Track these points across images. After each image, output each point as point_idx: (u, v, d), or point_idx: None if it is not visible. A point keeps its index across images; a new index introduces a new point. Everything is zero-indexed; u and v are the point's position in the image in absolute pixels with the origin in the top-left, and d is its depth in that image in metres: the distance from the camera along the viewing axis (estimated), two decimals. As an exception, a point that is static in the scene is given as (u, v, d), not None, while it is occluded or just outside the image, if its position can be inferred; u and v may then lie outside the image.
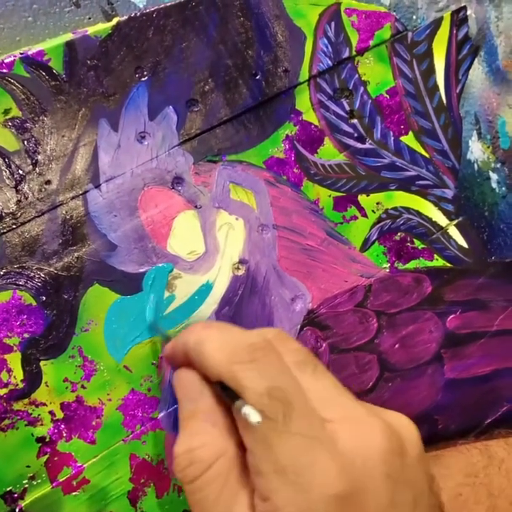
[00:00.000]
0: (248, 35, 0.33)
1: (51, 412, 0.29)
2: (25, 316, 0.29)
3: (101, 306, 0.30)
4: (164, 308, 0.32)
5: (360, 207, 0.36)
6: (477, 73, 0.40)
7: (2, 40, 0.30)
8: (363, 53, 0.36)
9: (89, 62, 0.30)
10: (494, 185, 0.41)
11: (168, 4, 0.31)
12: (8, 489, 0.29)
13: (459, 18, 0.38)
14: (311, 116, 0.35)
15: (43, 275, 0.29)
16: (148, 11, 0.31)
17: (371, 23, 0.36)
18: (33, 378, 0.29)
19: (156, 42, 0.31)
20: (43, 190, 0.30)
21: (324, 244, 0.35)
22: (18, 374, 0.29)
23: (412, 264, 0.37)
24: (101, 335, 0.30)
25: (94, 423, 0.30)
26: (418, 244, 0.38)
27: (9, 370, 0.29)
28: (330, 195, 0.35)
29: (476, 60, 0.40)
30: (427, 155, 0.38)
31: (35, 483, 0.29)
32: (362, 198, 0.36)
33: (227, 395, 0.23)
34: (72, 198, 0.30)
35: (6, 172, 0.29)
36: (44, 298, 0.29)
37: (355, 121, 0.36)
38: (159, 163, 0.32)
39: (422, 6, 0.38)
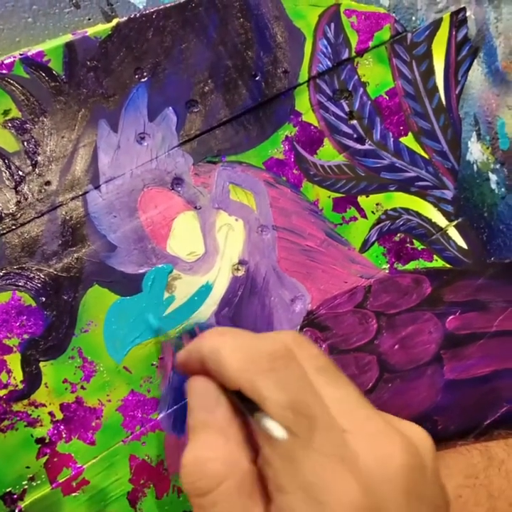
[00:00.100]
0: (248, 36, 0.33)
1: (51, 413, 0.29)
2: (24, 317, 0.29)
3: (100, 307, 0.30)
4: (164, 309, 0.32)
5: (360, 208, 0.36)
6: (476, 74, 0.40)
7: (2, 41, 0.30)
8: (363, 54, 0.36)
9: (88, 63, 0.30)
10: (493, 186, 0.41)
11: (168, 5, 0.31)
12: (7, 490, 0.29)
13: (459, 20, 0.38)
14: (310, 117, 0.35)
15: (42, 276, 0.29)
16: (147, 12, 0.31)
17: (371, 24, 0.36)
18: (32, 379, 0.29)
19: (156, 43, 0.31)
20: (43, 191, 0.30)
21: (324, 245, 0.35)
22: (18, 375, 0.29)
23: (411, 265, 0.37)
24: (100, 336, 0.30)
25: (93, 424, 0.30)
26: (417, 245, 0.38)
27: (9, 371, 0.29)
28: (329, 196, 0.35)
29: (475, 61, 0.40)
30: (426, 156, 0.38)
31: (34, 484, 0.29)
32: (361, 199, 0.36)
33: (244, 406, 0.22)
34: (72, 198, 0.30)
35: (5, 173, 0.29)
36: (44, 299, 0.29)
37: (354, 122, 0.36)
38: (159, 164, 0.32)
39: (421, 7, 0.38)
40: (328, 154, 0.35)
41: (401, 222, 0.37)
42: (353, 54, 0.36)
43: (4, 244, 0.29)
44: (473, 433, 0.35)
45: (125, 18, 0.30)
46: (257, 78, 0.33)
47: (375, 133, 0.36)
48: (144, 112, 0.31)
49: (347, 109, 0.36)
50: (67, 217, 0.30)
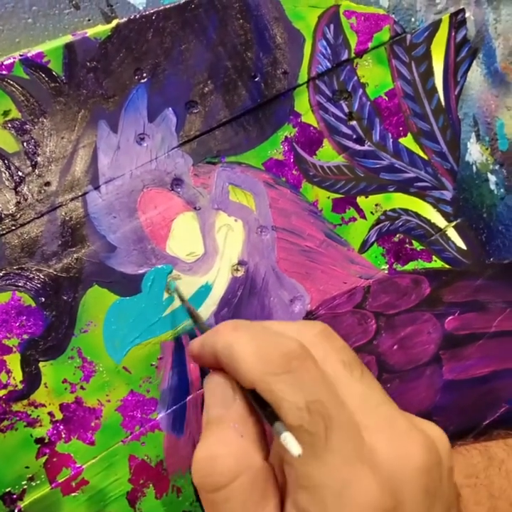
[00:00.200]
0: (247, 38, 0.33)
1: (50, 413, 0.29)
2: (24, 317, 0.29)
3: (100, 307, 0.30)
4: (163, 309, 0.32)
5: (359, 208, 0.36)
6: (476, 75, 0.40)
7: (1, 41, 0.30)
8: (362, 55, 0.36)
9: (88, 64, 0.30)
10: (493, 186, 0.41)
11: (168, 6, 0.31)
12: (7, 490, 0.29)
13: (458, 21, 0.38)
14: (310, 118, 0.35)
15: (42, 276, 0.29)
16: (147, 13, 0.31)
17: (370, 26, 0.36)
18: (32, 379, 0.29)
19: (156, 44, 0.31)
20: (43, 191, 0.30)
21: (323, 245, 0.35)
22: (18, 375, 0.29)
23: (410, 266, 0.37)
24: (100, 336, 0.30)
25: (93, 424, 0.30)
26: (417, 245, 0.38)
27: (8, 371, 0.29)
28: (329, 197, 0.36)
29: (474, 62, 0.40)
30: (425, 157, 0.38)
31: (34, 484, 0.29)
32: (361, 200, 0.36)
33: (258, 404, 0.22)
34: (72, 199, 0.30)
35: (5, 173, 0.29)
36: (43, 299, 0.29)
37: (354, 123, 0.36)
38: (158, 165, 0.32)
39: (420, 8, 0.38)
40: (328, 155, 0.35)
41: (400, 223, 0.37)
42: (353, 55, 0.36)
43: (4, 244, 0.29)
44: (472, 433, 0.35)
45: (125, 19, 0.31)
46: (256, 79, 0.34)
47: (375, 134, 0.37)
48: (143, 113, 0.31)
49: (346, 109, 0.36)
50: (67, 218, 0.30)
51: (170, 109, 0.32)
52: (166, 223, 0.32)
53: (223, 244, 0.33)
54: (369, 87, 0.36)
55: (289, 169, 0.35)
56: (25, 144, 0.29)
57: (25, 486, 0.29)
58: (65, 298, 0.30)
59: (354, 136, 0.36)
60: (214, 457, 0.22)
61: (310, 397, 0.21)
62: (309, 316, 0.35)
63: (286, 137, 0.34)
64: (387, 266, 0.37)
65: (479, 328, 0.37)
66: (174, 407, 0.32)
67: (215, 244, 0.33)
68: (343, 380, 0.22)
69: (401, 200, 0.37)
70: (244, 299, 0.33)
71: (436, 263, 0.38)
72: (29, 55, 0.29)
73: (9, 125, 0.29)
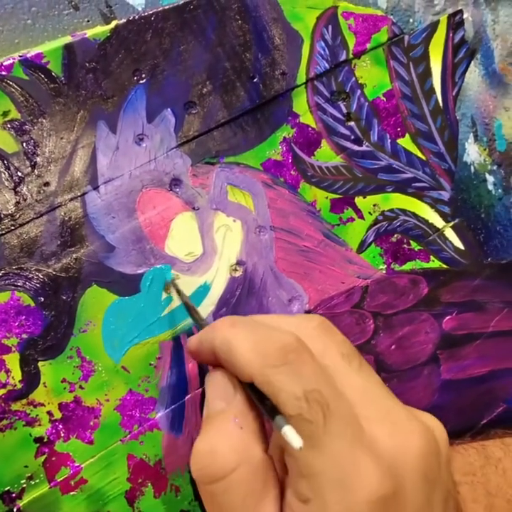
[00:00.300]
0: (246, 38, 0.33)
1: (49, 413, 0.30)
2: (23, 317, 0.29)
3: (99, 307, 0.30)
4: (162, 309, 0.32)
5: (357, 209, 0.36)
6: (474, 76, 0.41)
7: (1, 42, 0.30)
8: (360, 56, 0.36)
9: (87, 64, 0.30)
10: (490, 187, 0.41)
11: (167, 7, 0.31)
12: (6, 489, 0.29)
13: (456, 22, 0.38)
14: (308, 119, 0.35)
15: (41, 276, 0.30)
16: (146, 14, 0.31)
17: (368, 27, 0.36)
18: (31, 379, 0.29)
19: (155, 45, 0.31)
20: (42, 191, 0.30)
21: (321, 245, 0.35)
22: (17, 374, 0.29)
23: (408, 266, 0.37)
24: (99, 336, 0.30)
25: (92, 423, 0.30)
26: (414, 245, 0.38)
27: (7, 371, 0.29)
28: (327, 197, 0.36)
29: (472, 63, 0.40)
30: (423, 157, 0.38)
31: (33, 483, 0.29)
32: (359, 200, 0.36)
33: (257, 397, 0.22)
34: (71, 199, 0.30)
35: (4, 174, 0.29)
36: (42, 299, 0.30)
37: (352, 123, 0.36)
38: (157, 165, 0.32)
39: (418, 9, 0.39)
40: (326, 155, 0.36)
41: (398, 223, 0.37)
42: (351, 56, 0.36)
43: (3, 244, 0.29)
44: (470, 432, 0.36)
45: (124, 20, 0.31)
46: (255, 80, 0.34)
47: (373, 134, 0.37)
48: (142, 114, 0.31)
49: (344, 110, 0.36)
50: (66, 218, 0.30)
51: (169, 109, 0.32)
52: (165, 223, 0.32)
53: (222, 244, 0.33)
54: (367, 88, 0.36)
55: (287, 169, 0.35)
56: (24, 144, 0.29)
57: (25, 485, 0.29)
58: (64, 298, 0.30)
59: (352, 137, 0.36)
60: (213, 449, 0.22)
61: (307, 386, 0.21)
62: (307, 315, 0.35)
63: (284, 138, 0.35)
64: (385, 266, 0.37)
65: (477, 328, 0.37)
66: (173, 407, 0.32)
67: (214, 244, 0.33)
68: (342, 371, 0.23)
69: (399, 201, 0.37)
70: (243, 299, 0.33)
71: (434, 263, 0.38)
72: (28, 55, 0.29)
73: (9, 125, 0.29)
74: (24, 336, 0.29)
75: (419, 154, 0.38)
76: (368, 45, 0.36)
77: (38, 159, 0.30)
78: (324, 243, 0.35)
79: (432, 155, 0.38)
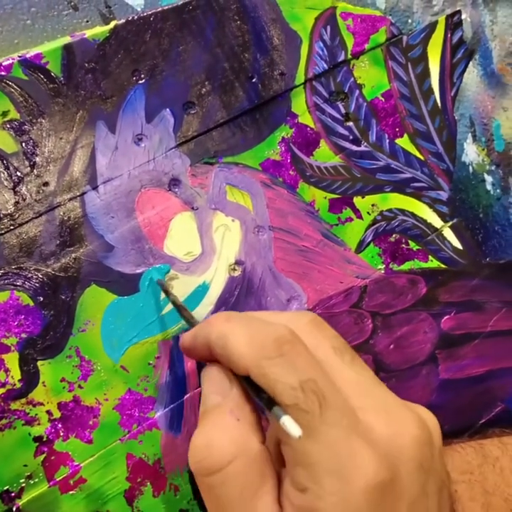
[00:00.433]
0: (245, 39, 0.33)
1: (48, 412, 0.30)
2: (22, 317, 0.29)
3: (98, 307, 0.31)
4: (161, 309, 0.32)
5: (356, 209, 0.36)
6: (472, 76, 0.41)
7: (0, 42, 0.30)
8: (359, 57, 0.36)
9: (87, 65, 0.30)
10: (489, 187, 0.42)
11: (166, 8, 0.32)
12: (5, 488, 0.29)
13: (454, 22, 0.38)
14: (306, 119, 0.35)
15: (40, 276, 0.30)
16: (145, 14, 0.31)
17: (366, 27, 0.36)
18: (30, 378, 0.29)
19: (154, 45, 0.31)
20: (41, 191, 0.30)
21: (320, 245, 0.35)
22: (16, 374, 0.29)
23: (406, 266, 0.37)
24: (98, 335, 0.31)
25: (91, 423, 0.30)
26: (413, 245, 0.38)
27: (7, 370, 0.29)
28: (325, 197, 0.36)
29: (471, 63, 0.40)
30: (421, 157, 0.38)
31: (32, 482, 0.29)
32: (357, 200, 0.37)
33: (253, 390, 0.22)
34: (70, 199, 0.30)
35: (4, 174, 0.29)
36: (41, 298, 0.30)
37: (350, 123, 0.36)
38: (156, 165, 0.32)
39: (417, 9, 0.39)
40: (324, 155, 0.36)
41: (396, 223, 0.37)
42: (349, 56, 0.36)
43: (2, 244, 0.29)
44: (468, 432, 0.36)
45: (123, 21, 0.31)
46: (253, 80, 0.34)
47: (371, 134, 0.37)
48: (141, 114, 0.31)
49: (343, 110, 0.36)
50: (65, 218, 0.30)
51: (168, 109, 0.32)
52: (164, 223, 0.32)
53: (220, 244, 0.33)
54: (365, 88, 0.36)
55: (286, 169, 0.35)
56: (23, 144, 0.29)
57: (24, 484, 0.29)
58: (63, 297, 0.30)
59: (351, 137, 0.36)
60: (210, 441, 0.22)
61: (303, 376, 0.21)
62: (306, 315, 0.35)
63: (283, 138, 0.35)
64: (384, 266, 0.37)
65: (475, 327, 0.37)
66: (172, 406, 0.32)
67: (213, 244, 0.33)
68: (334, 365, 0.23)
69: (397, 201, 0.37)
70: (242, 299, 0.33)
71: (433, 263, 0.38)
72: (28, 56, 0.29)
73: (8, 126, 0.29)
74: (23, 335, 0.29)
75: (418, 154, 0.38)
76: (367, 46, 0.36)
77: (37, 159, 0.30)
78: (323, 243, 0.36)
79: (431, 155, 0.38)
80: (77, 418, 0.30)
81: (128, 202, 0.31)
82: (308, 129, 0.35)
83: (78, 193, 0.30)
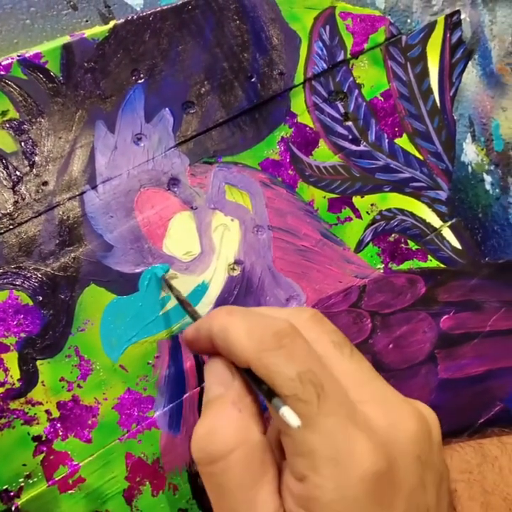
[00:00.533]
0: (244, 39, 0.33)
1: (47, 411, 0.30)
2: (21, 316, 0.29)
3: (97, 306, 0.31)
4: (160, 308, 0.32)
5: (355, 208, 0.37)
6: (471, 76, 0.41)
7: (0, 42, 0.30)
8: (358, 56, 0.36)
9: (86, 64, 0.30)
10: (488, 187, 0.42)
11: (165, 7, 0.32)
12: (4, 488, 0.29)
13: (453, 22, 0.38)
14: (306, 119, 0.35)
15: (39, 275, 0.30)
16: (144, 14, 0.31)
17: (366, 27, 0.36)
18: (29, 377, 0.29)
19: (153, 45, 0.31)
20: (40, 191, 0.30)
21: (319, 245, 0.35)
22: (15, 373, 0.29)
23: (405, 265, 0.37)
24: (97, 334, 0.31)
25: (90, 422, 0.30)
26: (412, 245, 0.38)
27: (6, 370, 0.29)
28: (324, 197, 0.36)
29: (470, 63, 0.40)
30: (420, 157, 0.38)
31: (31, 481, 0.29)
32: (356, 200, 0.37)
33: (254, 382, 0.23)
34: (69, 198, 0.30)
35: (3, 173, 0.29)
36: (41, 298, 0.30)
37: (349, 123, 0.36)
38: (155, 165, 0.32)
39: (416, 9, 0.39)
40: (324, 155, 0.36)
41: (395, 223, 0.37)
42: (348, 56, 0.36)
43: (2, 243, 0.29)
44: (467, 432, 0.36)
45: (122, 20, 0.31)
46: (252, 80, 0.34)
47: (370, 134, 0.37)
48: (140, 113, 0.31)
49: (342, 110, 0.36)
50: (64, 217, 0.30)
51: (167, 109, 0.32)
52: (163, 223, 0.32)
53: (220, 244, 0.33)
54: (365, 88, 0.36)
55: (285, 169, 0.35)
56: (23, 143, 0.29)
57: (23, 484, 0.29)
58: (63, 297, 0.30)
59: (350, 137, 0.36)
60: (212, 430, 0.22)
61: (301, 368, 0.21)
62: (305, 315, 0.35)
63: (282, 137, 0.35)
64: (383, 265, 0.37)
65: (474, 327, 0.37)
66: (171, 405, 0.32)
67: (212, 243, 0.33)
68: (333, 359, 0.23)
69: (396, 200, 0.37)
70: (241, 298, 0.33)
71: (432, 262, 0.38)
72: (27, 55, 0.29)
73: (7, 125, 0.29)
74: (22, 334, 0.29)
75: (417, 154, 0.38)
76: (366, 46, 0.36)
77: (37, 159, 0.30)
78: (322, 243, 0.36)
79: (430, 155, 0.38)
80: (76, 417, 0.30)
81: (127, 201, 0.31)
82: (308, 128, 0.35)
83: (77, 193, 0.30)
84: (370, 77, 0.37)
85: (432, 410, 0.24)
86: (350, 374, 0.23)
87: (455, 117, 0.39)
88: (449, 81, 0.38)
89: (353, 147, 0.36)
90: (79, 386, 0.30)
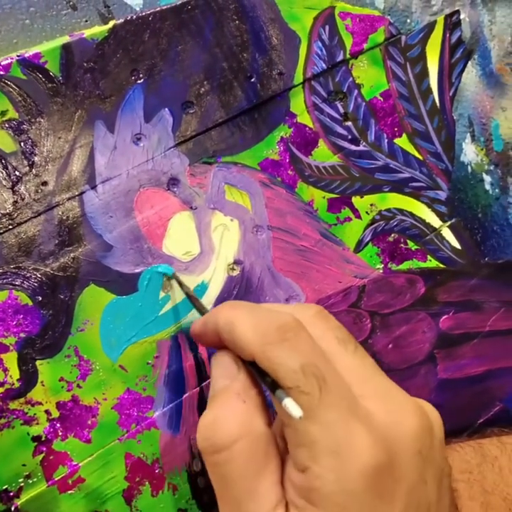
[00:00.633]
0: (243, 39, 0.33)
1: (47, 411, 0.30)
2: (21, 316, 0.29)
3: (97, 306, 0.31)
4: (159, 308, 0.32)
5: (354, 208, 0.37)
6: (471, 76, 0.41)
7: (-1, 42, 0.30)
8: (357, 56, 0.36)
9: (85, 64, 0.30)
10: (488, 187, 0.42)
11: (164, 7, 0.32)
12: (3, 488, 0.29)
13: (453, 22, 0.38)
14: (305, 119, 0.35)
15: (39, 275, 0.30)
16: (144, 14, 0.31)
17: (365, 27, 0.36)
18: (29, 378, 0.29)
19: (152, 45, 0.31)
20: (40, 191, 0.30)
21: (318, 245, 0.35)
22: (14, 373, 0.29)
23: (405, 265, 0.37)
24: (97, 335, 0.31)
25: (89, 422, 0.30)
26: (411, 245, 0.38)
27: (5, 370, 0.29)
28: (324, 197, 0.36)
29: (469, 63, 0.40)
30: (420, 157, 0.38)
31: (30, 481, 0.29)
32: (356, 200, 0.37)
33: (259, 374, 0.23)
34: (69, 198, 0.30)
35: (2, 173, 0.29)
36: (40, 298, 0.30)
37: (349, 123, 0.36)
38: (155, 165, 0.32)
39: (416, 9, 0.39)
40: (323, 155, 0.36)
41: (395, 223, 0.37)
42: (348, 56, 0.36)
43: (1, 243, 0.29)
44: (466, 432, 0.36)
45: (122, 20, 0.31)
46: (252, 80, 0.34)
47: (370, 134, 0.37)
48: (140, 113, 0.31)
49: (342, 110, 0.36)
50: (64, 217, 0.30)
51: (166, 109, 0.32)
52: (163, 223, 0.32)
53: (219, 244, 0.33)
54: (364, 88, 0.36)
55: (284, 169, 0.35)
56: (22, 143, 0.29)
57: (22, 484, 0.29)
58: (62, 297, 0.30)
59: (349, 137, 0.36)
60: (218, 421, 0.23)
61: (304, 360, 0.22)
62: (305, 315, 0.35)
63: (281, 137, 0.35)
64: (382, 265, 0.37)
65: (474, 327, 0.37)
66: (170, 406, 0.32)
67: (211, 243, 0.33)
68: (337, 355, 0.23)
69: (396, 200, 0.38)
70: (240, 298, 0.33)
71: (431, 263, 0.38)
72: (26, 55, 0.29)
73: (6, 125, 0.29)
74: (22, 334, 0.29)
75: (416, 154, 0.38)
76: (365, 46, 0.36)
77: (36, 159, 0.30)
78: (321, 243, 0.36)
79: (429, 155, 0.38)
80: (75, 418, 0.30)
81: (127, 201, 0.31)
82: (307, 128, 0.35)
83: (77, 193, 0.30)
84: (369, 77, 0.37)
85: (434, 409, 0.25)
86: (353, 369, 0.23)
87: (455, 117, 0.39)
88: (448, 81, 0.38)
89: (353, 147, 0.36)
90: (78, 386, 0.30)
